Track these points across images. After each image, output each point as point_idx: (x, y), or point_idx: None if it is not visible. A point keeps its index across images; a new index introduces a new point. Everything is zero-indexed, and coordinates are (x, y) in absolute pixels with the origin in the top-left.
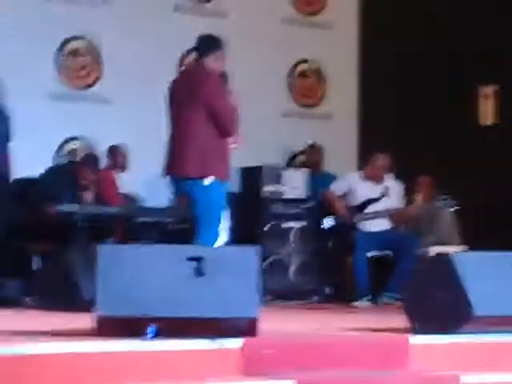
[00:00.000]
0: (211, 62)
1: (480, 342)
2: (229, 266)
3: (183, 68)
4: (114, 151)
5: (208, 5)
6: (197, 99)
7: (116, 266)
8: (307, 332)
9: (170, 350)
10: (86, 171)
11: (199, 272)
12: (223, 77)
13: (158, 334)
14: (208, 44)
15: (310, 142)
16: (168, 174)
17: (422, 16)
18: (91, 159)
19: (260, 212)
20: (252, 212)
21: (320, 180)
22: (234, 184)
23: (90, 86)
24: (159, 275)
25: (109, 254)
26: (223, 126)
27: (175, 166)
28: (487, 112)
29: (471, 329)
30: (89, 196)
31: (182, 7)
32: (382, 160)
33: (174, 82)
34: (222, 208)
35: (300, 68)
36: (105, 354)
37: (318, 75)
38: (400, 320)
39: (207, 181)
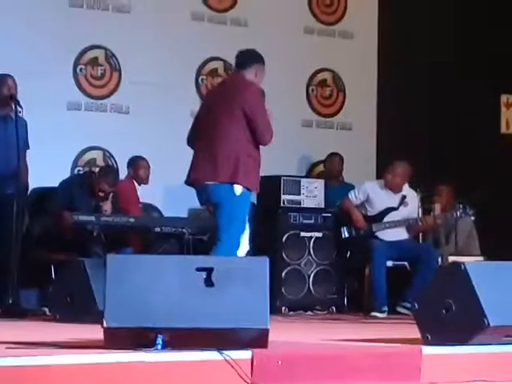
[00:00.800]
0: (251, 76)
1: (493, 352)
2: (239, 276)
3: (221, 79)
4: (134, 162)
5: (227, 14)
6: (235, 106)
7: (124, 276)
8: (318, 343)
9: (178, 360)
10: (103, 184)
11: (208, 282)
12: (261, 93)
13: (167, 346)
14: (249, 58)
15: (329, 151)
16: (194, 181)
17: (442, 27)
18: (108, 171)
19: (278, 222)
20: (270, 222)
21: (339, 190)
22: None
23: (108, 95)
24: (168, 286)
25: (117, 263)
26: (259, 133)
27: (205, 173)
28: (509, 120)
29: (485, 339)
30: (107, 206)
31: (200, 16)
32: (401, 168)
33: (210, 91)
34: (246, 218)
35: (320, 77)
36: (110, 366)
37: (338, 85)
38: (415, 331)
39: (237, 189)
